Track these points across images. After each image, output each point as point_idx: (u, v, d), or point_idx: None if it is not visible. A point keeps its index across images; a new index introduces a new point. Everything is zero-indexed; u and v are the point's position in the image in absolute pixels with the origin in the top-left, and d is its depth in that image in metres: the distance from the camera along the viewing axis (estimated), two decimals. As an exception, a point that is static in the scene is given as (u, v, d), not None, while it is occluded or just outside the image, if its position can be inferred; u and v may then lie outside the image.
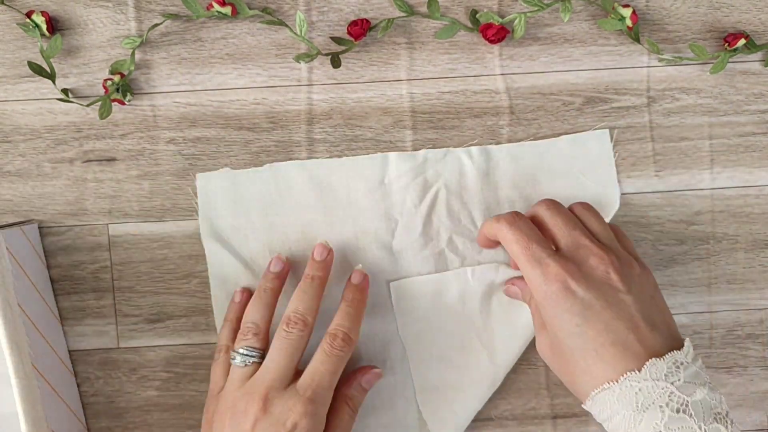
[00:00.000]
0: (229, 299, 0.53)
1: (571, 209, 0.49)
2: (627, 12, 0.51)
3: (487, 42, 0.52)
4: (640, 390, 0.41)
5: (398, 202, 0.53)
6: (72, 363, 0.54)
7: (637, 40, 0.52)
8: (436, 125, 0.53)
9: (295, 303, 0.48)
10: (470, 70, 0.53)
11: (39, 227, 0.53)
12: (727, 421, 0.41)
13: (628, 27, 0.51)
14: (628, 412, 0.41)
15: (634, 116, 0.54)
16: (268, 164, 0.53)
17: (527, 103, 0.53)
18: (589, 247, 0.45)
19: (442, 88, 0.53)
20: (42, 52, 0.50)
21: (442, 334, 0.53)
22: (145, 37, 0.52)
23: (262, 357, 0.48)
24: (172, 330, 0.54)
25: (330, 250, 0.51)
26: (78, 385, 0.54)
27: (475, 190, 0.53)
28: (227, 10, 0.51)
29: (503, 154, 0.53)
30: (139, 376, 0.54)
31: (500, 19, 0.52)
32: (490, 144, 0.53)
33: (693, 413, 0.40)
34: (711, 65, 0.53)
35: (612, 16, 0.51)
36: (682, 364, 0.42)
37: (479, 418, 0.54)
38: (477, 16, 0.52)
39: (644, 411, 0.41)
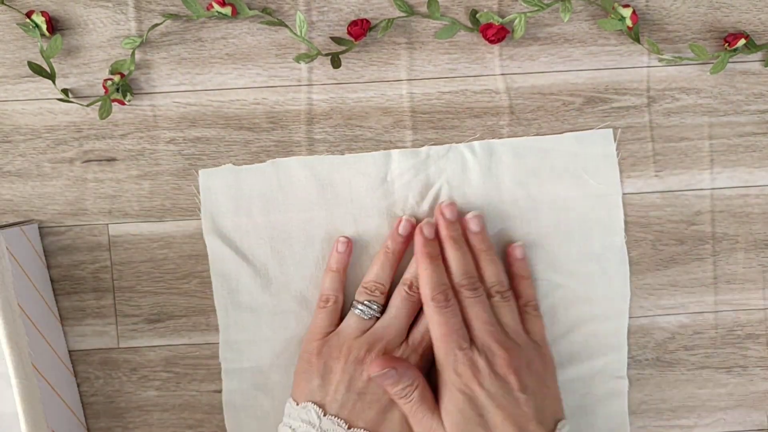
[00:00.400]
0: (231, 296, 0.53)
1: (488, 294, 0.51)
2: (627, 12, 0.51)
3: (487, 42, 0.52)
4: None
5: (400, 200, 0.53)
6: (72, 363, 0.54)
7: (637, 40, 0.52)
8: (436, 125, 0.53)
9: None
10: (470, 70, 0.53)
11: (39, 227, 0.53)
12: None
13: (628, 27, 0.51)
14: None
15: (634, 116, 0.54)
16: (270, 160, 0.53)
17: (527, 103, 0.53)
18: (496, 350, 0.49)
19: (442, 88, 0.53)
20: (42, 52, 0.50)
21: None
22: (145, 37, 0.52)
23: (382, 312, 0.51)
24: (172, 330, 0.54)
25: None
26: (78, 385, 0.54)
27: (478, 186, 0.53)
28: (227, 10, 0.51)
29: (506, 149, 0.53)
30: (139, 376, 0.54)
31: (500, 19, 0.52)
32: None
33: None
34: (711, 65, 0.53)
35: (612, 16, 0.51)
36: None
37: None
38: (477, 16, 0.52)
39: None
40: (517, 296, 0.52)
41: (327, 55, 0.52)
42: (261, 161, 0.53)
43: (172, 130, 0.53)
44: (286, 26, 0.52)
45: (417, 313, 0.52)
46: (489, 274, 0.51)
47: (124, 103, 0.52)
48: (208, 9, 0.51)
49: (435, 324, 0.49)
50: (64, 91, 0.52)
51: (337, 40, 0.52)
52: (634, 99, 0.54)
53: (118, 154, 0.53)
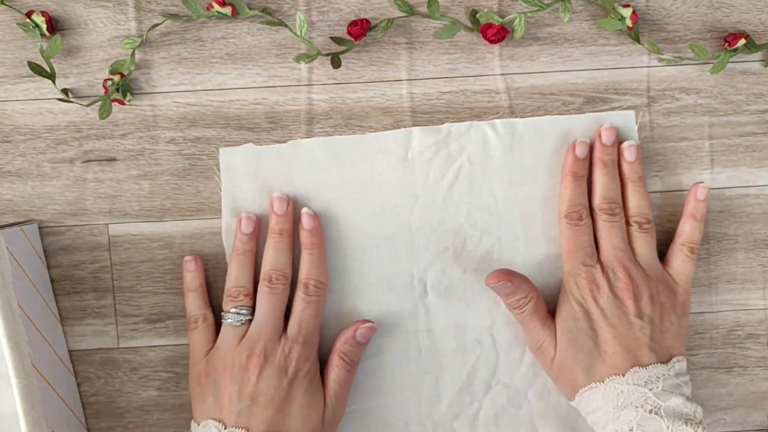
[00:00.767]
0: None
1: (626, 222, 0.51)
2: (627, 12, 0.51)
3: (487, 42, 0.52)
4: (621, 392, 0.48)
5: (421, 177, 0.53)
6: (72, 363, 0.54)
7: (637, 40, 0.52)
8: (437, 125, 0.53)
9: (272, 260, 0.51)
10: (470, 70, 0.53)
11: (39, 227, 0.53)
12: (697, 427, 0.46)
13: (628, 27, 0.51)
14: (609, 409, 0.48)
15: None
16: (291, 141, 0.53)
17: (527, 103, 0.53)
18: (620, 273, 0.50)
19: (442, 88, 0.53)
20: (42, 52, 0.50)
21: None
22: (145, 37, 0.52)
23: (253, 314, 0.51)
24: (172, 330, 0.54)
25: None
26: (78, 385, 0.54)
27: (499, 163, 0.53)
28: (227, 10, 0.51)
29: (528, 128, 0.53)
30: (139, 376, 0.54)
31: (500, 19, 0.52)
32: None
33: (664, 415, 0.47)
34: (711, 65, 0.53)
35: (612, 16, 0.51)
36: (663, 375, 0.48)
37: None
38: (477, 16, 0.52)
39: (622, 409, 0.47)
40: (678, 233, 0.53)
41: (327, 55, 0.52)
42: (261, 161, 0.53)
43: (172, 130, 0.53)
44: (286, 26, 0.52)
45: (287, 304, 0.51)
46: (633, 204, 0.52)
47: (124, 103, 0.52)
48: (208, 9, 0.51)
49: (564, 238, 0.51)
50: (64, 91, 0.51)
51: (337, 40, 0.52)
52: (634, 99, 0.54)
53: (118, 154, 0.53)
